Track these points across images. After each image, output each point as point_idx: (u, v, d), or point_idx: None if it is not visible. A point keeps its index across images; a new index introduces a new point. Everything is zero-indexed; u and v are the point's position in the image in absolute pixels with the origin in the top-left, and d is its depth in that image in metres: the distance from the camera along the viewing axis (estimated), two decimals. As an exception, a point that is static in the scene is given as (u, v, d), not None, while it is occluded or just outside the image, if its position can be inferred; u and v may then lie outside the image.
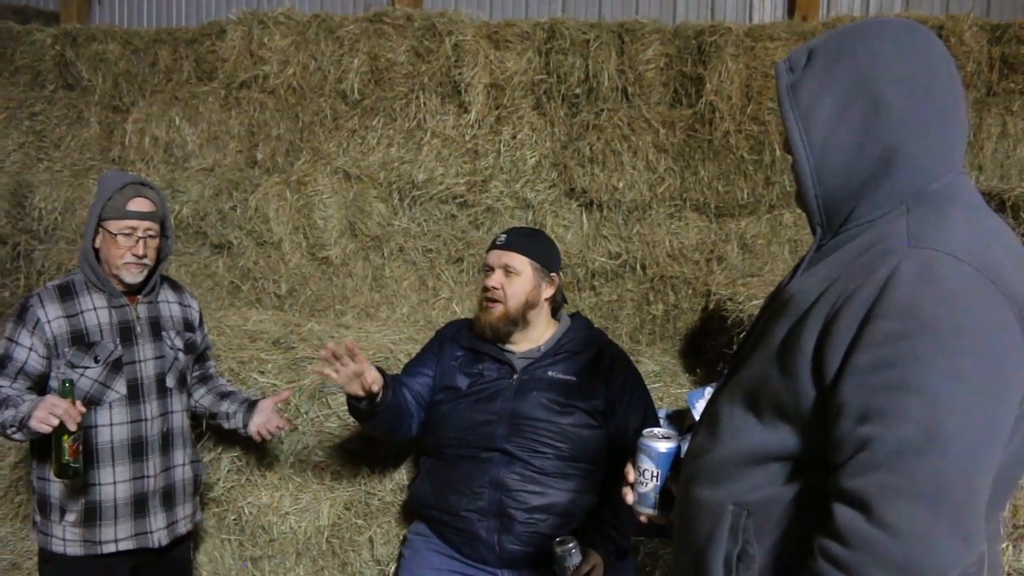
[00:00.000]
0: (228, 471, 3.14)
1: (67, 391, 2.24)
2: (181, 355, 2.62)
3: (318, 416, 3.05)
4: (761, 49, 3.96)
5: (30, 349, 2.39)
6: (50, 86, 5.00)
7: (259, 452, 3.13)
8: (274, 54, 4.43)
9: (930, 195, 1.19)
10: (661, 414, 2.95)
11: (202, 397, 2.75)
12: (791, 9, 5.89)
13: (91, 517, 2.43)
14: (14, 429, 2.28)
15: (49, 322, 2.40)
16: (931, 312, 1.04)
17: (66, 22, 6.69)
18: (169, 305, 2.64)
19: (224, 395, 2.76)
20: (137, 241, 2.44)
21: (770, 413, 1.21)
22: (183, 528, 2.63)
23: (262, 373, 3.17)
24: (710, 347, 3.52)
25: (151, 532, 2.51)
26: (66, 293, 2.46)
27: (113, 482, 2.44)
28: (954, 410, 1.01)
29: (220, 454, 3.14)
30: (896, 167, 1.19)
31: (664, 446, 1.46)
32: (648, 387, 2.66)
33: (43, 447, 2.40)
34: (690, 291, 3.83)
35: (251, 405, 2.71)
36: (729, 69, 3.90)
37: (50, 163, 4.81)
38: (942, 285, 1.06)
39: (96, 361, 2.42)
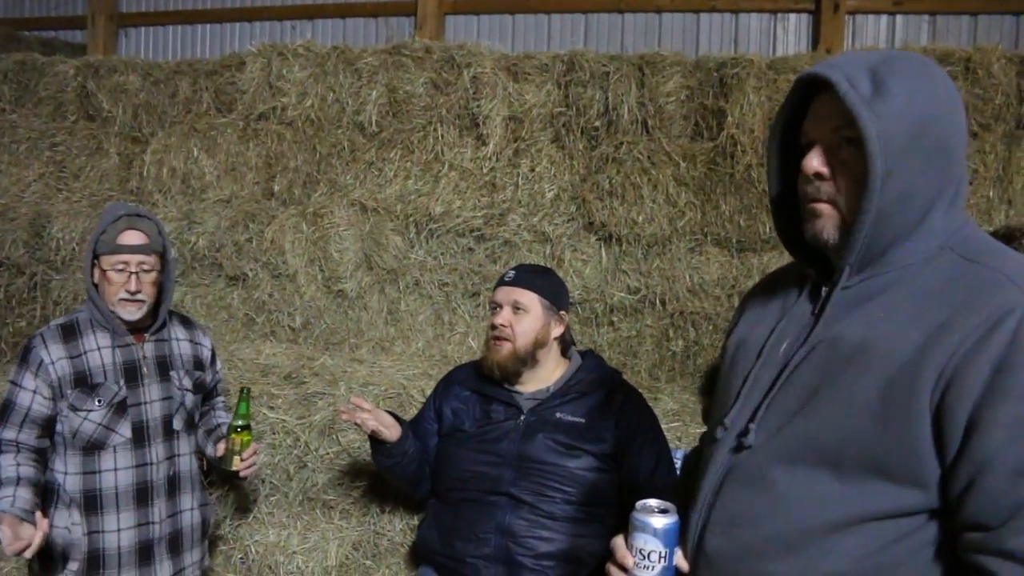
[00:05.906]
0: (235, 508, 3.08)
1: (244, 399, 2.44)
2: (189, 395, 2.52)
3: (328, 453, 2.99)
4: (784, 82, 3.89)
5: (34, 392, 2.31)
6: (71, 117, 5.00)
7: (268, 489, 3.06)
8: (293, 86, 4.42)
9: (969, 239, 1.19)
10: (679, 454, 2.85)
11: (201, 437, 2.66)
12: (815, 41, 5.82)
13: (94, 566, 2.34)
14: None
15: (53, 363, 2.31)
16: None
17: (93, 54, 6.74)
18: (179, 343, 2.55)
19: (210, 431, 2.67)
20: (129, 276, 2.33)
21: (860, 472, 1.15)
22: (191, 575, 2.56)
23: (272, 408, 3.11)
24: (731, 385, 3.42)
25: None
26: (69, 333, 2.37)
27: (117, 529, 2.35)
28: None
29: (228, 491, 3.08)
30: (938, 210, 1.18)
31: (665, 521, 1.30)
32: (667, 426, 2.57)
33: (43, 495, 2.32)
34: (711, 327, 3.73)
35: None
36: (751, 102, 3.83)
37: (69, 193, 4.79)
38: None
39: (99, 404, 2.33)
